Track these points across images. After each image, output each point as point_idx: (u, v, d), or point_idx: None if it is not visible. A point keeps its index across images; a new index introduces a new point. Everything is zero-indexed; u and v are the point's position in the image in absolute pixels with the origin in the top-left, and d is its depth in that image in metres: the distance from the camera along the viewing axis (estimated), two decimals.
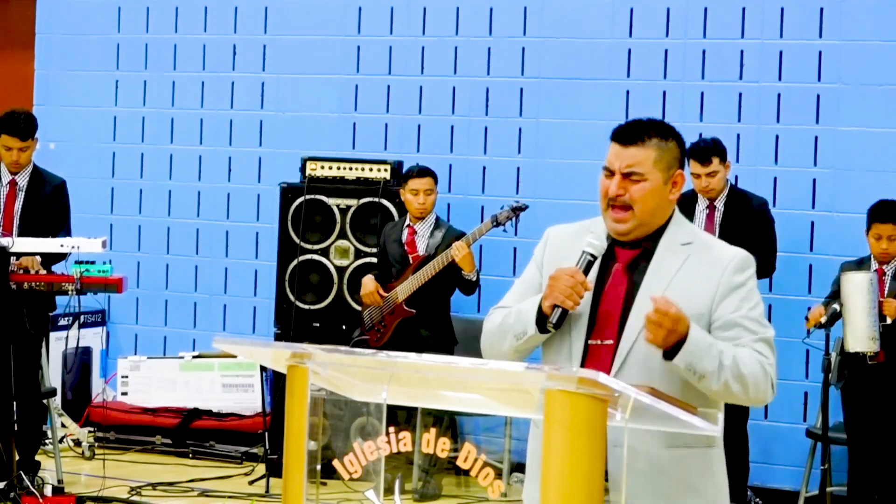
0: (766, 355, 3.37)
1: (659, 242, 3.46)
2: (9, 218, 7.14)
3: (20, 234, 6.98)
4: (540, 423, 3.42)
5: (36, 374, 7.14)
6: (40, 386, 7.22)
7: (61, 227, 7.16)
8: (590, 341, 3.41)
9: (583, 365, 3.38)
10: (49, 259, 7.00)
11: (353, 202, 7.99)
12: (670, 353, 3.27)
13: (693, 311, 3.33)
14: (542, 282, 3.47)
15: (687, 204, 7.23)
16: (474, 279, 7.36)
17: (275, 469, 7.35)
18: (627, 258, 3.47)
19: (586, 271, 3.39)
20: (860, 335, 6.46)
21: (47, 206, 7.18)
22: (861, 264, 6.75)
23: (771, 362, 3.37)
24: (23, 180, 7.19)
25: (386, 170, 7.97)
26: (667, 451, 3.34)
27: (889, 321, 6.52)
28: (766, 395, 3.38)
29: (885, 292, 6.62)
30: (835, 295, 6.73)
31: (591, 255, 3.41)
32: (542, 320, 3.39)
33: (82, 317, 8.42)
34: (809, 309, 6.90)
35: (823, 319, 6.51)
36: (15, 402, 6.88)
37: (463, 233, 7.42)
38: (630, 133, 3.45)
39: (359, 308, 7.76)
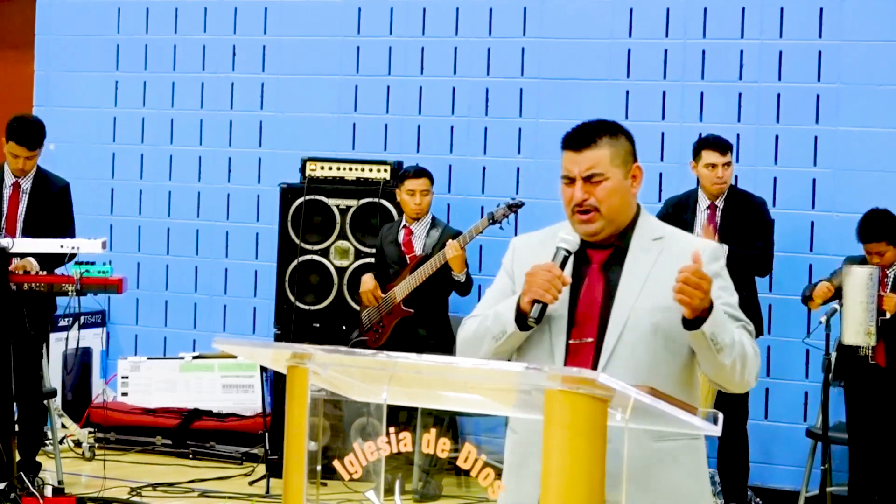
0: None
1: (630, 240, 3.50)
2: (12, 220, 7.12)
3: (23, 237, 6.97)
4: (517, 427, 3.44)
5: (36, 374, 7.13)
6: (41, 387, 7.21)
7: (65, 230, 7.13)
8: (570, 340, 3.42)
9: (565, 364, 3.40)
10: (51, 264, 6.99)
11: (353, 202, 7.99)
12: (694, 322, 3.26)
13: (674, 304, 3.33)
14: (515, 289, 3.49)
15: (687, 204, 7.23)
16: (462, 280, 7.34)
17: (275, 470, 7.34)
18: (601, 259, 3.50)
19: (562, 267, 3.42)
20: (857, 328, 6.48)
21: (51, 208, 7.16)
22: (865, 261, 6.73)
23: (757, 351, 3.43)
24: (26, 183, 7.17)
25: (386, 170, 7.97)
26: (655, 444, 3.33)
27: (888, 316, 6.52)
28: (753, 381, 3.43)
29: (888, 290, 6.61)
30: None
31: (566, 251, 3.45)
32: (521, 318, 3.40)
33: (82, 317, 8.42)
34: (813, 287, 6.79)
35: (823, 319, 6.52)
36: (15, 403, 6.88)
37: (460, 232, 7.42)
38: (581, 137, 3.54)
39: (359, 308, 7.76)
